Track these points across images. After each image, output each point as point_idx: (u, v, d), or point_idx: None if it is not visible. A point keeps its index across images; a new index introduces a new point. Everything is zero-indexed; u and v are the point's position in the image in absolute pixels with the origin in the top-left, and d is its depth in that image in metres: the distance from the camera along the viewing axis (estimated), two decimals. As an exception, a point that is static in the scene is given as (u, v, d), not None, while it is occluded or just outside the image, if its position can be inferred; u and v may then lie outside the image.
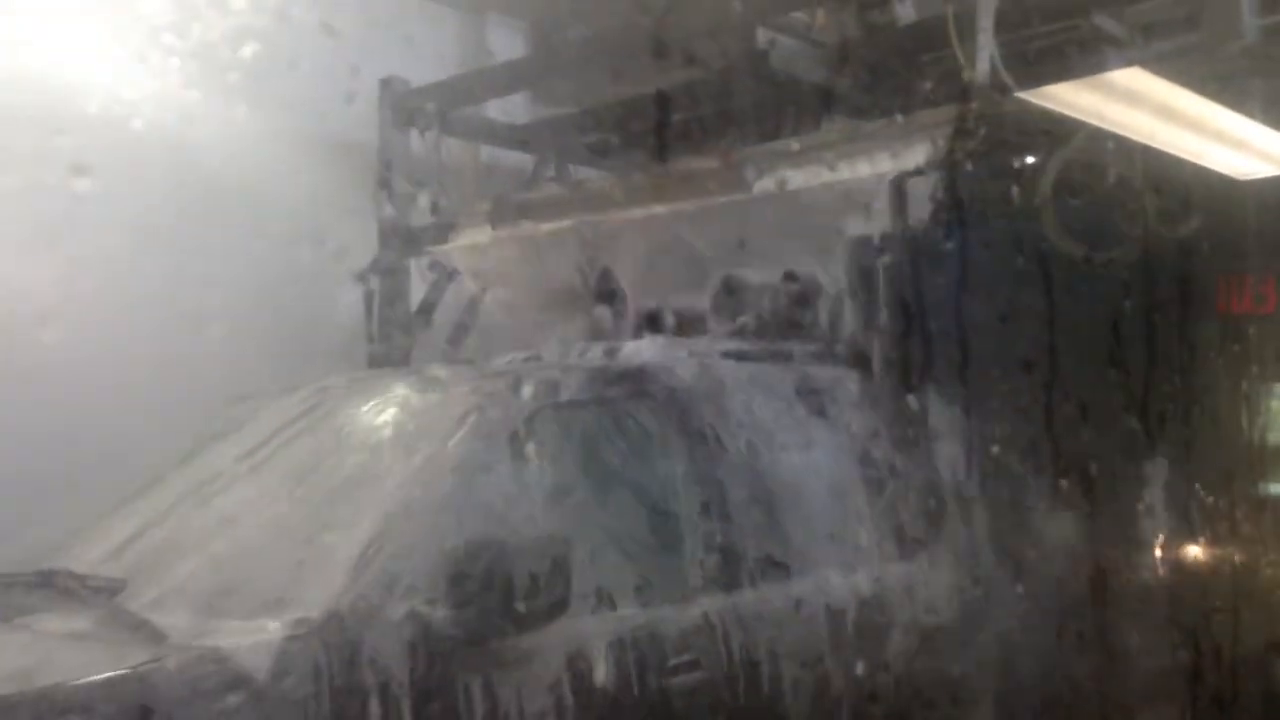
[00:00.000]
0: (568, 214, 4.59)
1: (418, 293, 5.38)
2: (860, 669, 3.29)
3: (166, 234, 4.96)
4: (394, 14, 5.78)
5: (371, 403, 3.22)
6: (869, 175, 3.63)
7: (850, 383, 3.71)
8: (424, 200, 5.32)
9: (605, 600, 2.85)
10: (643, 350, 3.55)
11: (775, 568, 3.22)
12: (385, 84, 5.39)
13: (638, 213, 4.30)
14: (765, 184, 3.98)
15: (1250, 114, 3.38)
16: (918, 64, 4.43)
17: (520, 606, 2.56)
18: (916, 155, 3.68)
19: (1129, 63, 3.37)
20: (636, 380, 3.31)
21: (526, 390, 3.01)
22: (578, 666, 2.73)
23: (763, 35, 4.52)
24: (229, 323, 4.76)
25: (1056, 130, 3.59)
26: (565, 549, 2.65)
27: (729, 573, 3.11)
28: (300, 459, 3.12)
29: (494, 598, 2.53)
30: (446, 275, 5.30)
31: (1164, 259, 4.05)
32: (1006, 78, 3.63)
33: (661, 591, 2.98)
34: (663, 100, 4.73)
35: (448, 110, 5.38)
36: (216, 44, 4.84)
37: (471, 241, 5.05)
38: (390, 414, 3.12)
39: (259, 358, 4.46)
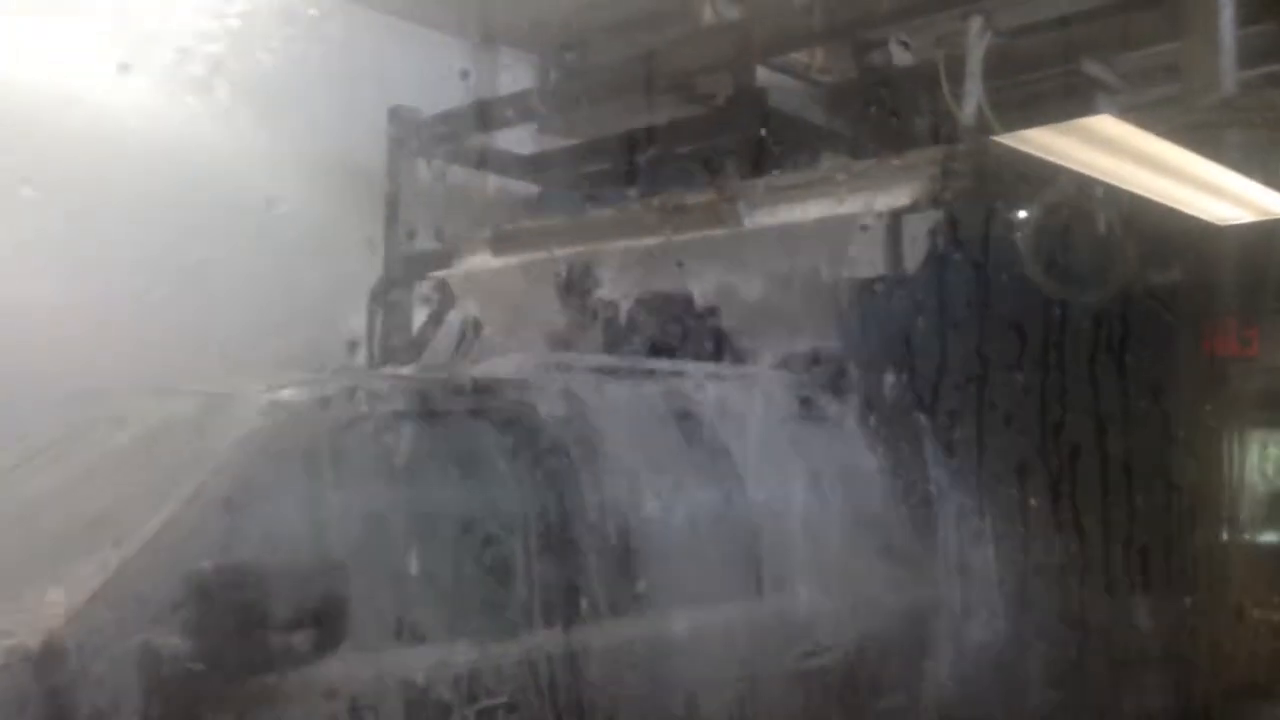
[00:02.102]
0: (567, 243, 4.70)
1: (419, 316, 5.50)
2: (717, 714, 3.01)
3: (172, 252, 5.07)
4: (405, 44, 5.93)
5: (165, 414, 2.95)
6: (853, 213, 3.73)
7: (756, 405, 3.49)
8: (428, 226, 5.45)
9: (407, 635, 2.59)
10: (502, 364, 3.32)
11: (626, 603, 2.94)
12: (394, 112, 5.53)
13: (633, 243, 4.40)
14: (758, 219, 4.09)
15: (1229, 163, 3.47)
16: (912, 105, 4.56)
17: (277, 640, 2.30)
18: (904, 195, 3.77)
19: (1113, 109, 3.48)
20: (479, 395, 3.02)
21: (333, 404, 2.72)
22: (358, 707, 2.47)
23: (762, 74, 4.66)
24: (231, 342, 4.86)
25: (1041, 174, 3.69)
26: (340, 578, 2.40)
27: (566, 608, 2.84)
28: (70, 473, 2.87)
29: (243, 630, 2.27)
30: (448, 300, 5.41)
31: (1147, 302, 4.13)
32: (993, 121, 3.74)
33: (481, 627, 2.71)
34: (660, 134, 4.85)
35: (455, 139, 5.52)
36: (231, 69, 4.98)
37: (473, 268, 5.16)
38: (178, 428, 2.86)
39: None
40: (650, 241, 4.39)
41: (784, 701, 3.19)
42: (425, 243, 5.44)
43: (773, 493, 3.35)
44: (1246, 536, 4.78)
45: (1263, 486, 4.79)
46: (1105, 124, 3.14)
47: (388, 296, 5.41)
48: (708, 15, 4.23)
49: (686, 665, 2.98)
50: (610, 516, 2.98)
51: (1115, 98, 4.38)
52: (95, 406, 3.19)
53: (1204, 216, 3.68)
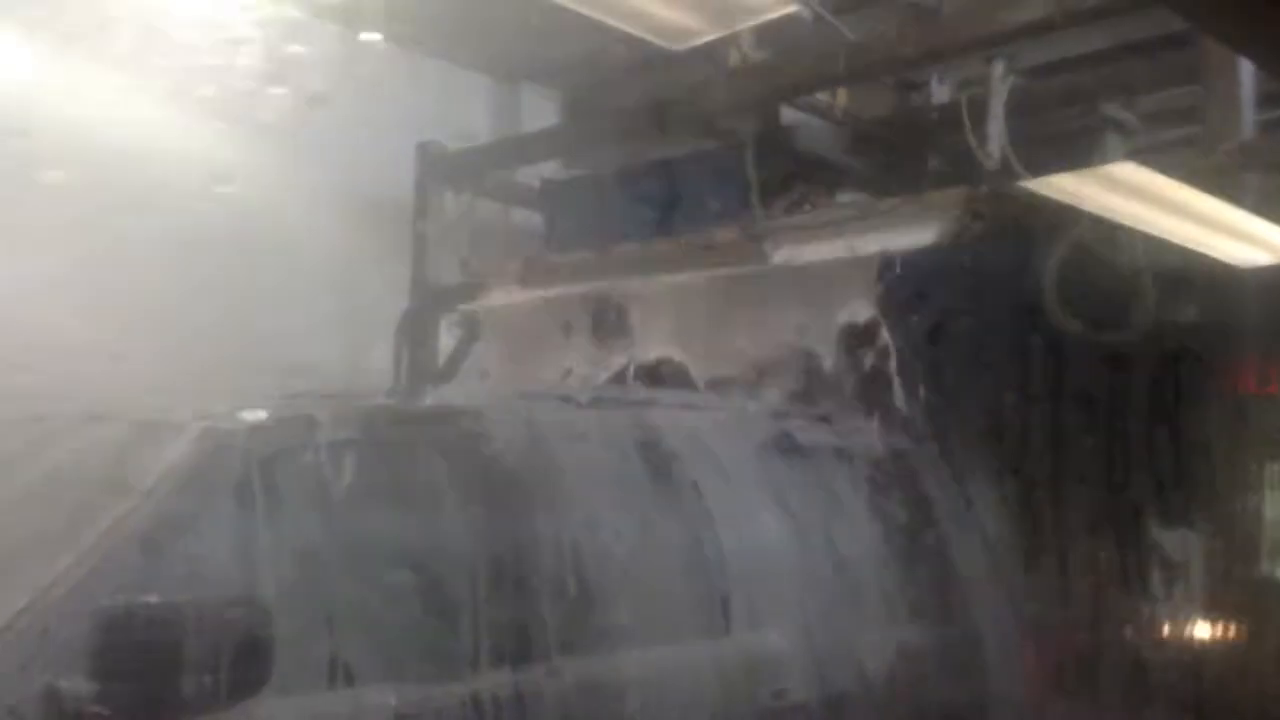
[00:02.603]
0: (593, 277, 4.78)
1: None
2: None
3: (203, 278, 5.16)
4: (434, 80, 6.04)
5: (92, 441, 2.79)
6: (873, 253, 3.80)
7: (731, 438, 3.39)
8: (455, 259, 5.53)
9: (338, 677, 2.43)
10: (460, 393, 3.23)
11: (581, 642, 2.82)
12: (422, 147, 5.63)
13: (661, 279, 4.49)
14: (783, 256, 4.16)
15: (1248, 206, 3.53)
16: (938, 146, 4.62)
17: (191, 683, 2.18)
18: (927, 235, 3.84)
19: (1130, 152, 3.54)
20: (429, 424, 2.89)
21: (266, 432, 2.57)
22: None
23: (786, 113, 4.74)
24: (258, 369, 4.93)
25: (1064, 216, 3.75)
26: (263, 617, 2.29)
27: (515, 648, 2.70)
28: None
29: (155, 672, 2.16)
30: (472, 332, 5.49)
31: (1172, 342, 4.18)
32: (1015, 163, 3.80)
33: (420, 668, 2.56)
34: (683, 171, 4.92)
35: (481, 173, 5.62)
36: (263, 102, 5.10)
37: (499, 301, 5.24)
38: (102, 456, 2.70)
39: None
40: (678, 278, 4.47)
41: None
42: (452, 275, 5.52)
43: (743, 529, 3.24)
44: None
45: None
46: (1127, 170, 3.21)
47: (415, 328, 5.49)
48: (734, 58, 4.30)
49: (645, 707, 2.85)
50: (566, 553, 2.85)
51: (1133, 139, 4.44)
52: (26, 431, 2.97)
53: (1224, 259, 3.73)
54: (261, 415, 2.62)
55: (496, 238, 6.21)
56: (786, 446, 3.54)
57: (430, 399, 3.16)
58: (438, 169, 5.57)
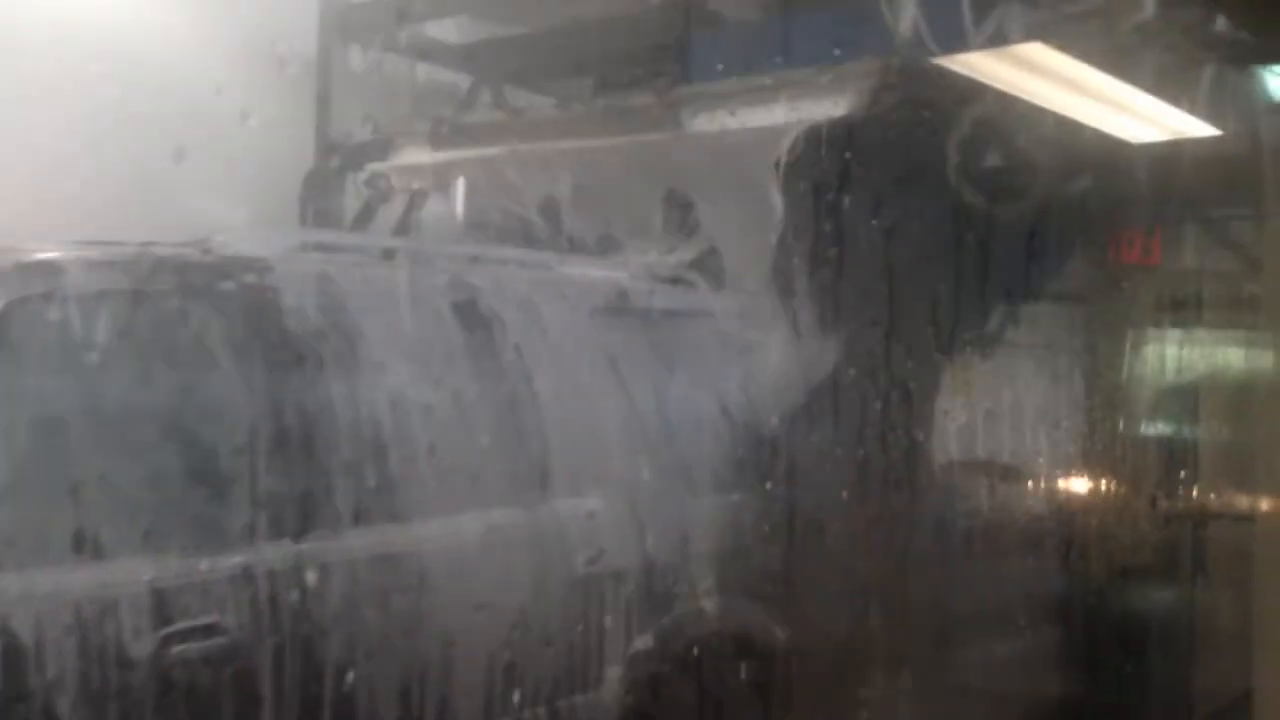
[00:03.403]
0: (505, 140, 4.73)
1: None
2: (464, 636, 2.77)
3: (93, 136, 4.95)
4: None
5: None
6: (790, 122, 3.84)
7: (556, 302, 3.28)
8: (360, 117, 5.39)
9: (90, 550, 2.28)
10: (248, 240, 2.92)
11: (377, 513, 2.71)
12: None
13: (573, 144, 4.47)
14: (699, 124, 4.18)
15: (1143, 85, 3.67)
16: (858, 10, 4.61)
17: None
18: (839, 106, 3.90)
19: (1034, 28, 3.62)
20: (205, 275, 2.65)
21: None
22: (7, 630, 2.17)
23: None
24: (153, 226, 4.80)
25: (971, 91, 3.84)
26: None
27: (298, 520, 2.56)
28: None
29: None
30: (382, 192, 5.40)
31: (1063, 214, 4.38)
32: (927, 36, 3.85)
33: (187, 540, 2.42)
34: (603, 30, 4.84)
35: (388, 27, 5.43)
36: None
37: (409, 161, 5.16)
38: None
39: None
40: (589, 142, 4.46)
41: (564, 612, 3.02)
42: (358, 135, 5.39)
43: (565, 394, 3.15)
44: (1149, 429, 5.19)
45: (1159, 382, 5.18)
46: (1033, 50, 3.29)
47: (318, 189, 5.37)
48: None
49: (448, 577, 2.75)
50: (360, 420, 2.70)
51: (1040, 10, 4.50)
52: None
53: (1119, 135, 3.89)
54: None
55: (408, 96, 6.06)
56: (621, 308, 3.47)
57: (218, 248, 2.85)
58: (343, 23, 5.37)
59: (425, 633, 2.73)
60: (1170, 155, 4.15)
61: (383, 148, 5.26)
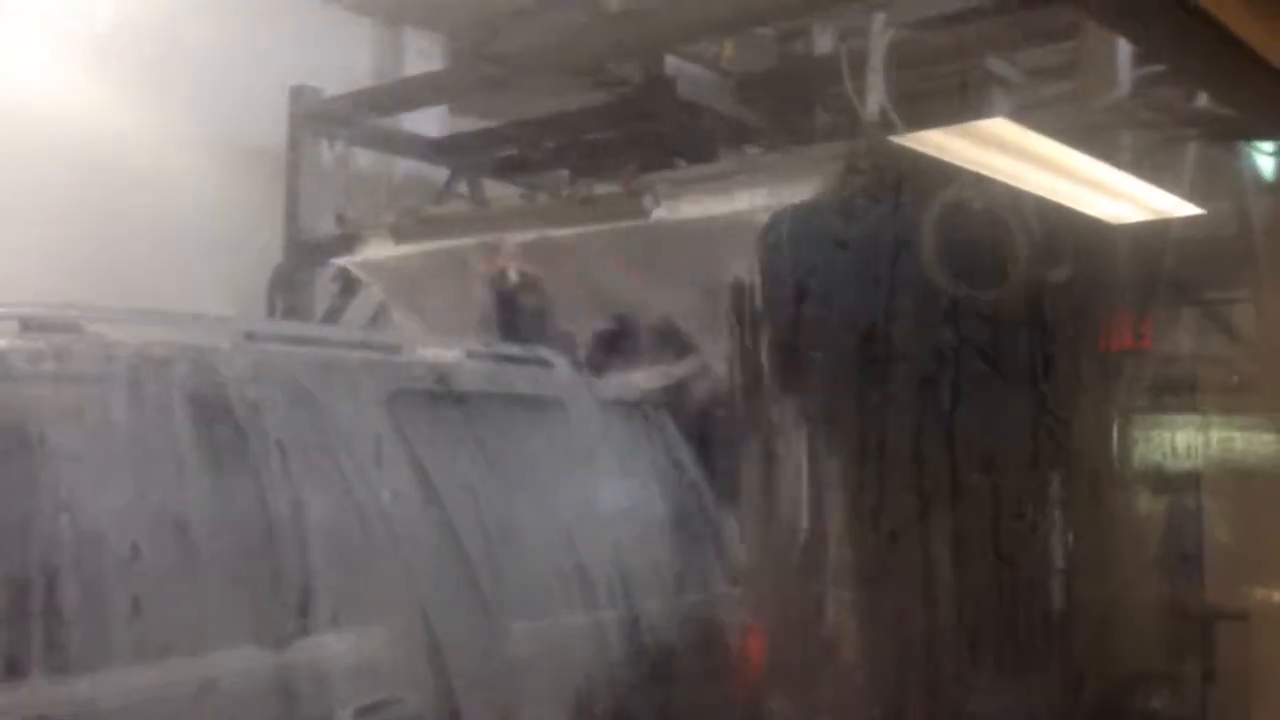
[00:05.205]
0: (471, 231, 4.61)
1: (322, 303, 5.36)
2: None
3: (64, 230, 4.86)
4: (309, 22, 5.74)
5: None
6: (755, 208, 3.72)
7: (345, 387, 2.87)
8: (330, 211, 5.30)
9: None
10: (174, 328, 2.75)
11: (51, 661, 2.23)
12: (296, 92, 5.36)
13: (539, 234, 4.35)
14: (662, 212, 4.05)
15: (1122, 164, 3.53)
16: (822, 98, 4.54)
17: None
18: (807, 189, 3.77)
19: (1008, 108, 3.50)
20: (108, 360, 2.45)
21: None
22: None
23: (671, 63, 4.60)
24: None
25: (942, 172, 3.71)
26: None
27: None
28: None
29: None
30: (350, 286, 5.28)
31: (1047, 298, 4.20)
32: (895, 117, 3.74)
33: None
34: (569, 122, 4.77)
35: (359, 121, 5.37)
36: (125, 44, 4.79)
37: (376, 255, 5.05)
38: None
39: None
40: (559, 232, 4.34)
41: None
42: (326, 229, 5.29)
43: (342, 499, 2.70)
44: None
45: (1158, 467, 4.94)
46: (999, 126, 3.16)
47: (287, 284, 5.25)
48: (614, 3, 4.15)
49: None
50: (28, 545, 2.23)
51: (1016, 94, 4.41)
52: None
53: (1098, 215, 3.73)
54: None
55: (380, 190, 5.99)
56: (433, 393, 3.00)
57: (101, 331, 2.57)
58: (312, 116, 5.31)
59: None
60: (1157, 236, 4.00)
61: (348, 242, 5.16)
